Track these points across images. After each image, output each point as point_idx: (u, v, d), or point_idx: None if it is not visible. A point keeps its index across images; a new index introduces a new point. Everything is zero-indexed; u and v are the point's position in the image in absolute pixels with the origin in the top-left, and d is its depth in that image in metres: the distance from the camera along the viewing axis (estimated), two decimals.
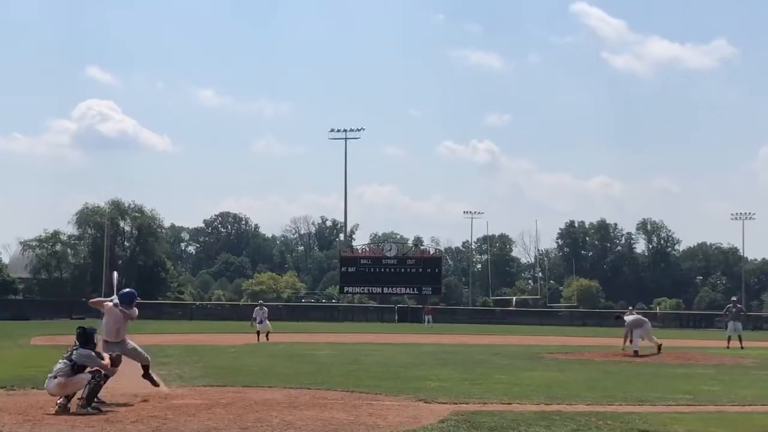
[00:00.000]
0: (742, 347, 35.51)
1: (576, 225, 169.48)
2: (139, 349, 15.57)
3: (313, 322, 67.31)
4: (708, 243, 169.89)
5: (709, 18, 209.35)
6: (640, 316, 30.00)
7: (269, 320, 40.04)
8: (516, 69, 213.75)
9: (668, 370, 22.96)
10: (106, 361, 13.69)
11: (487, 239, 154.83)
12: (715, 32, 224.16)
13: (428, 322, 69.32)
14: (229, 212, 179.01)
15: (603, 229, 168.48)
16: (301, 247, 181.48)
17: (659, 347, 28.06)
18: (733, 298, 42.28)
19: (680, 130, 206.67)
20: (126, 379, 15.72)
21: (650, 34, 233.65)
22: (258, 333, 38.35)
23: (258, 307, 40.46)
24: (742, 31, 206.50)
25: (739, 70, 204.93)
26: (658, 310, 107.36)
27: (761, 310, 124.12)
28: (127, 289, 16.06)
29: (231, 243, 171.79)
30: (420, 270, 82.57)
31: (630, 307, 51.91)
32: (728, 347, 35.73)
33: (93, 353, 13.68)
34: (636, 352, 27.39)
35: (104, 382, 13.68)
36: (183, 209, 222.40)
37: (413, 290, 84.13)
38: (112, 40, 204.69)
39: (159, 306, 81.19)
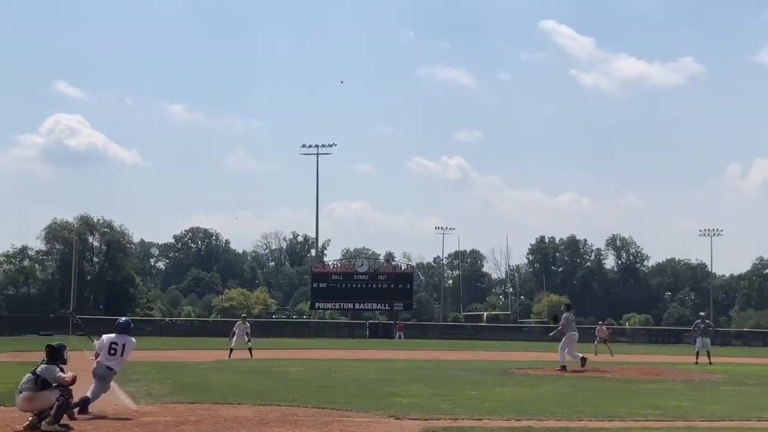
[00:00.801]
0: (710, 363, 35.74)
1: (546, 241, 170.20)
2: (104, 389, 15.42)
3: (284, 338, 66.96)
4: (676, 259, 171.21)
5: (677, 36, 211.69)
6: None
7: (252, 336, 39.27)
8: (486, 86, 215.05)
9: (638, 385, 23.07)
10: (68, 376, 13.56)
11: (458, 255, 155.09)
12: (683, 50, 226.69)
13: (399, 337, 69.77)
14: (199, 228, 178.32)
15: (573, 245, 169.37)
16: (272, 263, 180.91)
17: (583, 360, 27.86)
18: (701, 314, 42.54)
19: (648, 147, 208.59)
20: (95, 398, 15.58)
21: (618, 51, 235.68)
22: (231, 350, 37.00)
23: (240, 321, 39.58)
24: (709, 49, 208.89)
25: (706, 87, 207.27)
26: (627, 326, 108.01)
27: (729, 326, 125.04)
28: (122, 319, 16.34)
29: (201, 258, 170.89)
30: (391, 286, 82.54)
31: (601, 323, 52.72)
32: (697, 363, 35.95)
33: (57, 368, 13.57)
34: (564, 367, 27.43)
35: (72, 399, 13.57)
36: (153, 225, 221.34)
37: (385, 306, 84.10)
38: (81, 55, 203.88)
39: None
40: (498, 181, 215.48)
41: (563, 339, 28.07)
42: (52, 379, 13.32)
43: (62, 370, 13.65)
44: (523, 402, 17.65)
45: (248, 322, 40.11)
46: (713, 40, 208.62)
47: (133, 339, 16.04)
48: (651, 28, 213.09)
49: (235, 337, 37.99)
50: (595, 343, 48.73)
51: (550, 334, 29.80)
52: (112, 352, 15.53)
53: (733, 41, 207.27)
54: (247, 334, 38.11)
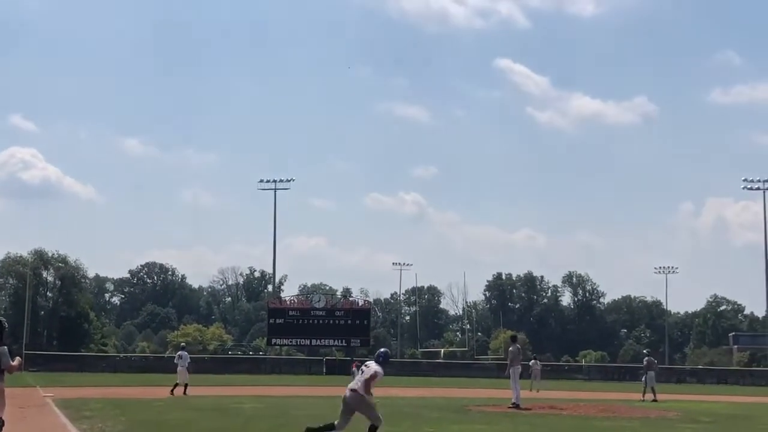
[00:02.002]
0: (655, 400, 35.93)
1: (503, 277, 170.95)
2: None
3: (240, 375, 66.44)
4: (632, 296, 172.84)
5: (630, 76, 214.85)
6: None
7: (189, 371, 36.68)
8: (442, 122, 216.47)
9: (594, 422, 23.16)
10: (16, 363, 13.44)
11: (415, 291, 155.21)
12: (637, 89, 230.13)
13: (355, 374, 69.89)
14: (155, 262, 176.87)
15: (530, 281, 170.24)
16: (229, 298, 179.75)
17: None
18: (646, 351, 43.09)
19: (603, 185, 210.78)
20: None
21: (573, 90, 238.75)
22: (176, 385, 35.19)
23: (181, 350, 37.48)
24: (662, 88, 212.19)
25: (660, 126, 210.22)
26: (584, 363, 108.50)
27: (684, 363, 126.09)
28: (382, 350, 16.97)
29: (157, 294, 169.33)
30: (349, 322, 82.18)
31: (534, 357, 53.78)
32: (643, 400, 36.16)
33: (5, 349, 13.39)
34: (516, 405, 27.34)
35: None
36: (108, 259, 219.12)
37: (342, 342, 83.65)
38: (35, 89, 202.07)
39: (82, 358, 79.74)
40: (454, 217, 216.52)
41: (513, 373, 27.77)
42: (4, 364, 13.17)
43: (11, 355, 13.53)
44: None
45: (186, 352, 37.30)
46: (666, 79, 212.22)
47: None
48: (605, 67, 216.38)
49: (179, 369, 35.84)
50: (532, 379, 49.21)
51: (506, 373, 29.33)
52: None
53: (686, 81, 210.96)
54: (184, 367, 35.86)
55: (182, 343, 41.73)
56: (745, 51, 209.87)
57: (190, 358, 38.16)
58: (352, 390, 15.21)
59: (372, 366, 15.28)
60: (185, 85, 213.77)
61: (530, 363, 53.98)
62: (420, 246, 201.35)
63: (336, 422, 15.29)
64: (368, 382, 14.95)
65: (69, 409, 24.35)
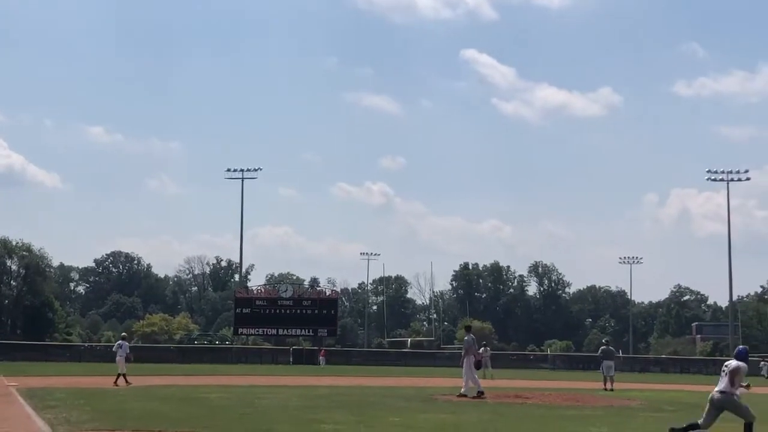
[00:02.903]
0: (612, 389, 36.38)
1: (470, 267, 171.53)
2: None
3: (206, 365, 66.22)
4: (597, 286, 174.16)
5: (596, 67, 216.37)
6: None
7: (128, 361, 35.77)
8: (409, 112, 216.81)
9: (558, 411, 23.34)
10: None
11: (383, 281, 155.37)
12: (601, 80, 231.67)
13: (322, 363, 69.88)
14: (120, 251, 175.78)
15: (496, 271, 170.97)
16: (195, 288, 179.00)
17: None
18: (604, 340, 43.31)
19: (569, 176, 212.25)
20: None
21: (539, 81, 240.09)
22: (119, 375, 34.51)
23: (121, 340, 36.84)
24: (627, 79, 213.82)
25: (625, 117, 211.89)
26: (549, 352, 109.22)
27: (648, 353, 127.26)
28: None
29: (122, 283, 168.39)
30: (316, 311, 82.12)
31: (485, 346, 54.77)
32: (605, 389, 36.59)
33: None
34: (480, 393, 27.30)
35: None
36: (73, 248, 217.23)
37: (309, 332, 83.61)
38: None
39: (46, 347, 79.12)
40: (421, 207, 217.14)
41: (466, 363, 27.41)
42: None
43: None
44: (446, 428, 17.73)
45: (126, 342, 36.83)
46: (631, 71, 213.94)
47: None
48: (571, 58, 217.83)
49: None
50: (483, 367, 49.67)
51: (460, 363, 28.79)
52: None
53: (650, 73, 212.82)
54: (124, 356, 35.23)
55: (123, 333, 41.29)
56: (708, 43, 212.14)
57: (133, 347, 38.04)
58: (721, 392, 15.29)
59: (732, 363, 15.60)
60: (151, 73, 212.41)
61: (480, 351, 54.53)
62: (387, 236, 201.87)
63: (700, 421, 15.38)
64: (733, 377, 15.09)
65: (33, 399, 24.18)
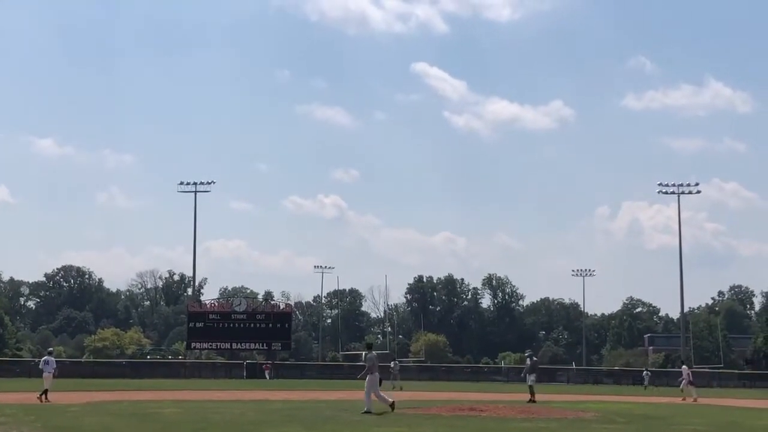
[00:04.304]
0: (534, 401, 35.28)
1: (424, 280, 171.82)
2: None
3: (159, 379, 65.62)
4: (550, 298, 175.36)
5: (546, 80, 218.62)
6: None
7: (54, 376, 34.92)
8: (362, 125, 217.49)
9: (513, 424, 23.40)
10: None
11: (337, 294, 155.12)
12: (553, 94, 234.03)
13: (268, 377, 70.33)
14: (72, 265, 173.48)
15: (450, 284, 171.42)
16: (147, 302, 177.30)
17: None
18: (528, 352, 43.00)
19: (521, 189, 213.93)
20: None
21: (490, 94, 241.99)
22: (45, 391, 33.39)
23: (47, 356, 35.88)
24: (578, 93, 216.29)
25: (576, 131, 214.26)
26: (503, 365, 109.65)
27: (601, 364, 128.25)
28: None
29: (73, 297, 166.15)
30: (269, 325, 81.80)
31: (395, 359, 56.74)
32: (532, 401, 35.51)
33: None
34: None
35: None
36: (22, 262, 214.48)
37: (263, 345, 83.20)
38: None
39: None
40: (375, 220, 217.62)
41: (369, 380, 26.18)
42: None
43: None
44: None
45: (52, 358, 35.79)
46: (582, 84, 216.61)
47: None
48: (522, 71, 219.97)
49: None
50: (392, 380, 52.70)
51: (358, 377, 27.73)
52: None
53: (600, 86, 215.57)
54: (50, 372, 34.31)
55: (50, 349, 40.71)
56: (656, 57, 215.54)
57: (86, 363, 37.43)
58: None
59: None
60: (102, 86, 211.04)
61: (390, 365, 56.28)
62: (341, 249, 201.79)
63: None
64: None
65: None
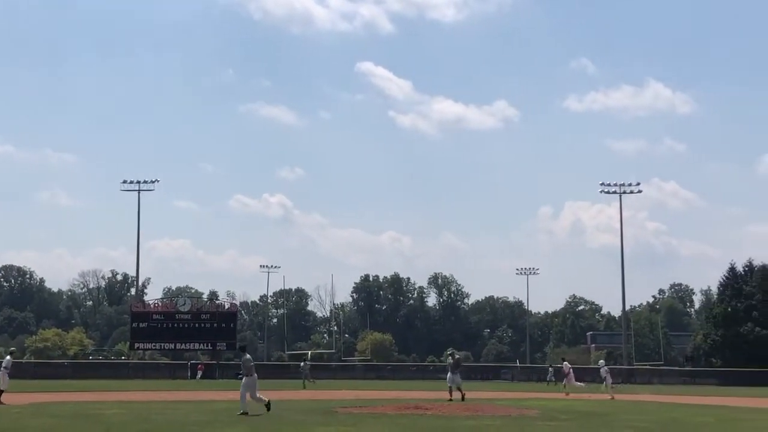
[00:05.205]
0: (462, 399, 34.99)
1: (370, 279, 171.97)
2: None
3: (102, 380, 64.90)
4: (495, 297, 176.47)
5: (491, 80, 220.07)
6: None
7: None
8: (307, 124, 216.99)
9: (457, 422, 23.58)
10: None
11: (283, 293, 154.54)
12: (497, 94, 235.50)
13: (198, 377, 70.65)
14: (12, 265, 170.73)
15: (396, 283, 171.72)
16: (90, 302, 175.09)
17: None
18: (450, 351, 42.74)
19: (466, 188, 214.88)
20: None
21: (435, 94, 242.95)
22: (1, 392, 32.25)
23: (8, 355, 34.87)
24: (521, 93, 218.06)
25: (520, 131, 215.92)
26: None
27: (544, 362, 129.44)
28: None
29: (14, 297, 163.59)
30: (215, 325, 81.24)
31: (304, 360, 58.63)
32: (451, 399, 35.17)
33: None
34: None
35: None
36: None
37: (208, 346, 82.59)
38: None
39: None
40: (320, 219, 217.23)
41: (244, 382, 25.83)
42: None
43: None
44: None
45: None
46: (525, 85, 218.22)
47: None
48: (466, 71, 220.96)
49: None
50: (303, 379, 55.57)
51: (239, 376, 26.93)
52: None
53: (543, 87, 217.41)
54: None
55: (12, 349, 39.52)
56: (598, 59, 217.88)
57: (27, 364, 36.31)
58: None
59: None
60: (43, 84, 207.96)
61: (301, 364, 60.11)
62: (287, 248, 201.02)
63: None
64: None
65: None
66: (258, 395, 25.89)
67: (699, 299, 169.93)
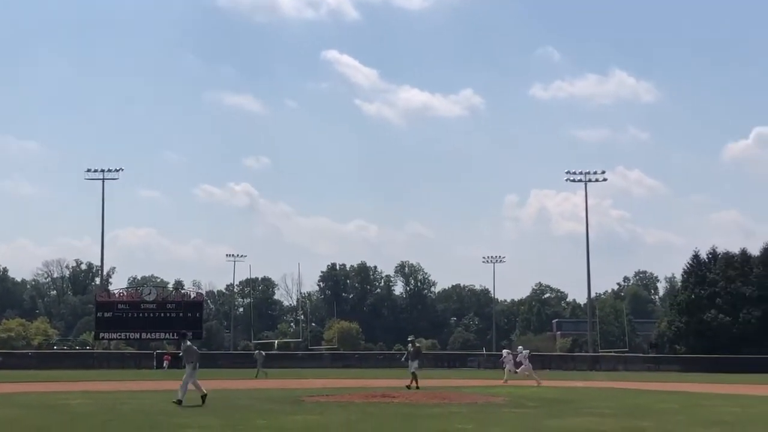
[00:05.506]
0: (417, 387, 34.98)
1: (337, 268, 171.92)
2: None
3: (67, 371, 64.40)
4: (462, 285, 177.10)
5: (457, 69, 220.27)
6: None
7: None
8: (273, 112, 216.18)
9: (425, 410, 23.63)
10: None
11: (249, 282, 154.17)
12: (463, 82, 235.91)
13: (165, 367, 70.47)
14: None
15: (363, 271, 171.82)
16: (54, 292, 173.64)
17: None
18: (410, 338, 42.65)
19: (432, 177, 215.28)
20: None
21: (401, 83, 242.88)
22: None
23: None
24: (487, 82, 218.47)
25: (486, 119, 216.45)
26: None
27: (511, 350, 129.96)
28: None
29: None
30: (180, 314, 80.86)
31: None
32: (409, 387, 35.10)
33: None
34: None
35: None
36: None
37: (173, 335, 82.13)
38: None
39: None
40: (287, 208, 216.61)
41: (187, 370, 25.28)
42: None
43: None
44: (313, 430, 17.75)
45: None
46: (491, 73, 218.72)
47: None
48: (432, 60, 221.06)
49: None
50: (258, 368, 55.85)
51: (184, 364, 26.43)
52: None
53: (509, 75, 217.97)
54: None
55: None
56: (563, 48, 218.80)
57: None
58: None
59: None
60: (4, 70, 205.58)
61: (255, 353, 60.79)
62: (253, 237, 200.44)
63: None
64: None
65: None
66: (198, 383, 25.29)
67: (663, 286, 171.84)
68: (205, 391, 25.06)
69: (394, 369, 72.94)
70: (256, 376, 52.20)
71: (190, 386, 25.00)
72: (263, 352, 62.92)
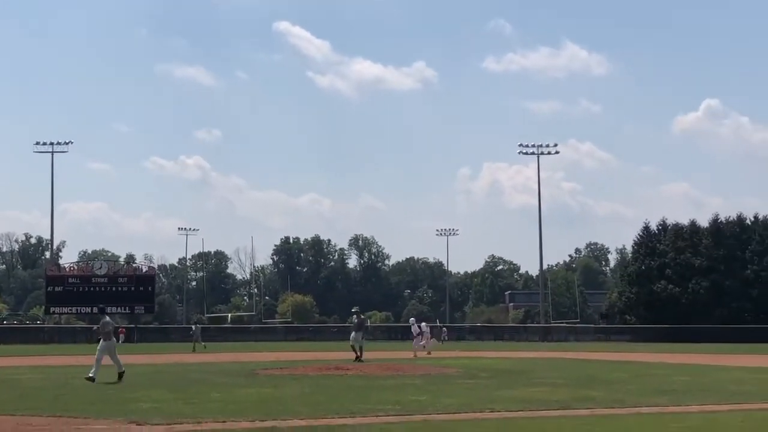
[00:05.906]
0: (361, 359, 34.71)
1: (291, 241, 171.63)
2: None
3: (17, 345, 63.70)
4: (416, 258, 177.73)
5: (409, 41, 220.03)
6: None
7: None
8: (224, 85, 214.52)
9: (378, 381, 23.70)
10: None
11: (202, 256, 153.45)
12: (415, 55, 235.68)
13: (121, 341, 69.76)
14: None
15: (317, 245, 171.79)
16: (3, 266, 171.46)
17: None
18: (354, 309, 42.50)
19: (385, 150, 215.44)
20: None
21: (354, 55, 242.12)
22: None
23: None
24: (440, 54, 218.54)
25: (439, 92, 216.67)
26: (368, 323, 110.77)
27: (464, 321, 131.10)
28: None
29: None
30: (132, 288, 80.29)
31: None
32: (356, 359, 34.89)
33: None
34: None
35: None
36: None
37: (125, 309, 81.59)
38: None
39: None
40: (239, 181, 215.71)
41: (101, 345, 24.59)
42: None
43: None
44: (268, 402, 17.70)
45: None
46: (443, 46, 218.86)
47: None
48: (385, 32, 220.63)
49: None
50: (194, 341, 55.92)
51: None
52: None
53: (461, 48, 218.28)
54: None
55: None
56: (515, 20, 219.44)
57: None
58: None
59: None
60: None
61: (192, 327, 61.21)
62: (206, 211, 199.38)
63: None
64: None
65: None
66: (117, 358, 24.69)
67: (614, 258, 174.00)
68: (123, 368, 24.42)
69: (348, 342, 73.23)
70: (193, 350, 52.26)
71: (109, 361, 24.37)
72: (199, 326, 63.49)
